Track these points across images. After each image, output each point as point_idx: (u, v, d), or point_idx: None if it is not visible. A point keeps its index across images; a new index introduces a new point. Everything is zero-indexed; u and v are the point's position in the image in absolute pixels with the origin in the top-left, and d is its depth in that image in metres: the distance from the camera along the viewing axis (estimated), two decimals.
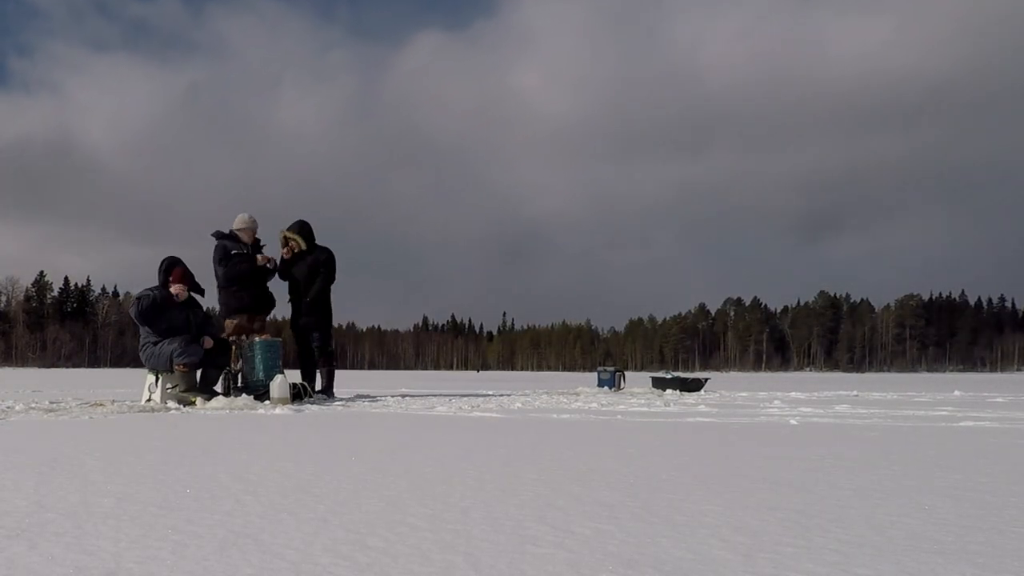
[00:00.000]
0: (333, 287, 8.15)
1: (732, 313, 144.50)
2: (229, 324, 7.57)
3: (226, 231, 7.71)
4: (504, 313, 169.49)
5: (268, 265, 7.69)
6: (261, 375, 7.03)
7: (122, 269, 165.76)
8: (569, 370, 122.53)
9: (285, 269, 7.99)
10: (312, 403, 6.86)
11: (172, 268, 6.99)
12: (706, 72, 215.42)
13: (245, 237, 7.68)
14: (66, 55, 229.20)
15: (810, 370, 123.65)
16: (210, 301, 7.62)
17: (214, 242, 7.66)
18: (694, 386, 11.00)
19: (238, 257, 7.55)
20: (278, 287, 8.05)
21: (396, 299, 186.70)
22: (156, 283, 6.94)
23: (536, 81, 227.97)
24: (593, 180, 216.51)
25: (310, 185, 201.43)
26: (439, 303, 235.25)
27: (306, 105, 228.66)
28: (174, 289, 6.87)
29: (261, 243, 7.83)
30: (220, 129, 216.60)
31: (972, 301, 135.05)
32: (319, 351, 7.96)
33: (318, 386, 7.87)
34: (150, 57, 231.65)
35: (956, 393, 11.43)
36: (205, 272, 7.56)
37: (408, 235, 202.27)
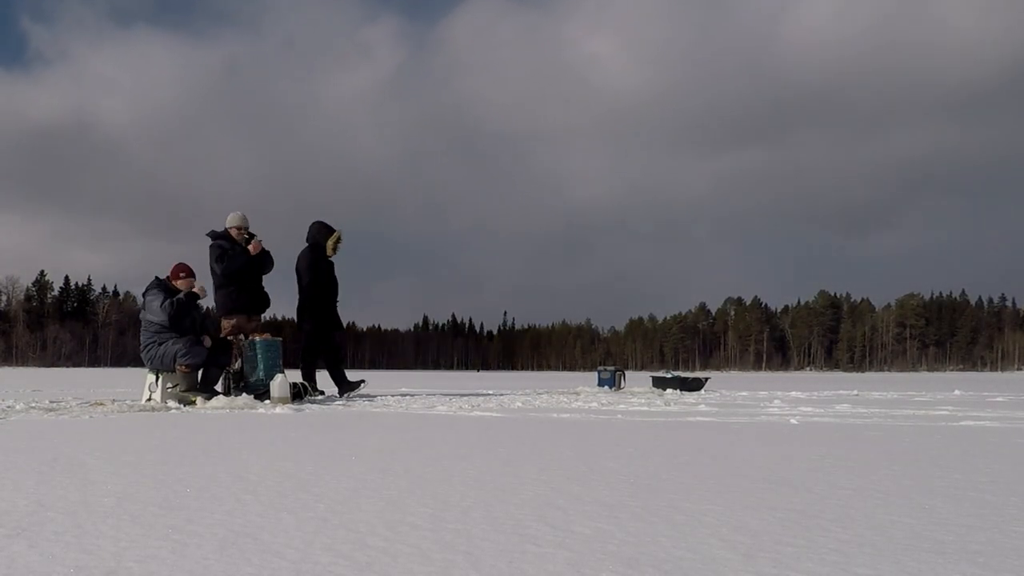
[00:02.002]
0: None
1: (732, 313, 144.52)
2: (227, 324, 7.57)
3: (220, 230, 7.71)
4: (504, 312, 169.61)
5: (263, 248, 7.72)
6: (262, 375, 7.03)
7: (133, 266, 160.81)
8: (569, 370, 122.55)
9: (329, 272, 8.24)
10: (313, 402, 6.86)
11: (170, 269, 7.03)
12: (784, 50, 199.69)
13: (237, 236, 7.69)
14: (88, 26, 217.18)
15: (810, 370, 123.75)
16: (208, 301, 7.63)
17: (209, 242, 7.67)
18: (694, 385, 11.00)
19: (233, 253, 7.55)
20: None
21: (397, 298, 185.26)
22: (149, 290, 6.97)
23: (599, 52, 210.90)
24: (639, 171, 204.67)
25: (343, 174, 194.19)
26: (440, 302, 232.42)
27: (346, 84, 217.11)
28: (196, 287, 6.93)
29: (254, 236, 7.81)
30: (252, 110, 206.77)
31: (972, 301, 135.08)
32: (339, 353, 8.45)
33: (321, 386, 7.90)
34: (180, 31, 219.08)
35: (956, 392, 11.42)
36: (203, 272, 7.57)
37: (424, 231, 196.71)
